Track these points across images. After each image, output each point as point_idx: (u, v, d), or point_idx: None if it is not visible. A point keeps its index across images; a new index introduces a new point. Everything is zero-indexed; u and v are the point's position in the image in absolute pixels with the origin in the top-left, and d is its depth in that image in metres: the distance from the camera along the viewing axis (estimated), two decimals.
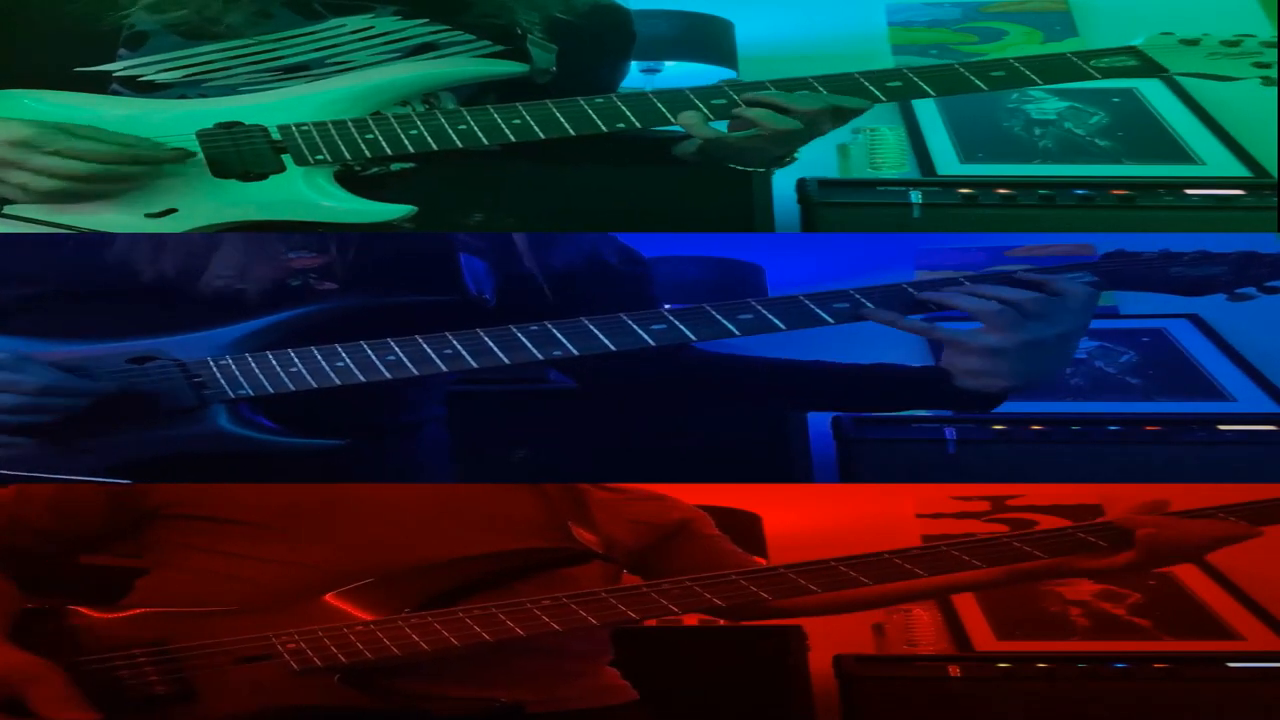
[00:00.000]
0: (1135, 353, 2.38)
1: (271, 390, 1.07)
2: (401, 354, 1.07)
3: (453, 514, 1.19)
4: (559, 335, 1.08)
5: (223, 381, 1.07)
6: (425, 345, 1.08)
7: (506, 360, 1.07)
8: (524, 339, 1.08)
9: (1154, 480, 1.99)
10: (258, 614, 1.08)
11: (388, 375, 1.07)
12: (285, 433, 1.09)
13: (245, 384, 1.07)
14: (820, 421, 2.14)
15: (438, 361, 1.07)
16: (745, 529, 2.22)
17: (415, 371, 1.07)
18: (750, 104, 1.23)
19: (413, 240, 1.22)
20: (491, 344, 1.08)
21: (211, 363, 1.08)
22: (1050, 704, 1.87)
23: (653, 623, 1.18)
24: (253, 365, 1.08)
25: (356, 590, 1.10)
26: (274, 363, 1.08)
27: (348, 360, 1.07)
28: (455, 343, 1.08)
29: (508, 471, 1.99)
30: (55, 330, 1.09)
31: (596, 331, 1.09)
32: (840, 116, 1.25)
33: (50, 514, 1.17)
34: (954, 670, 1.93)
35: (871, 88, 1.25)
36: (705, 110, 1.23)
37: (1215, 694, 1.85)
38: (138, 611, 1.10)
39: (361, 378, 1.07)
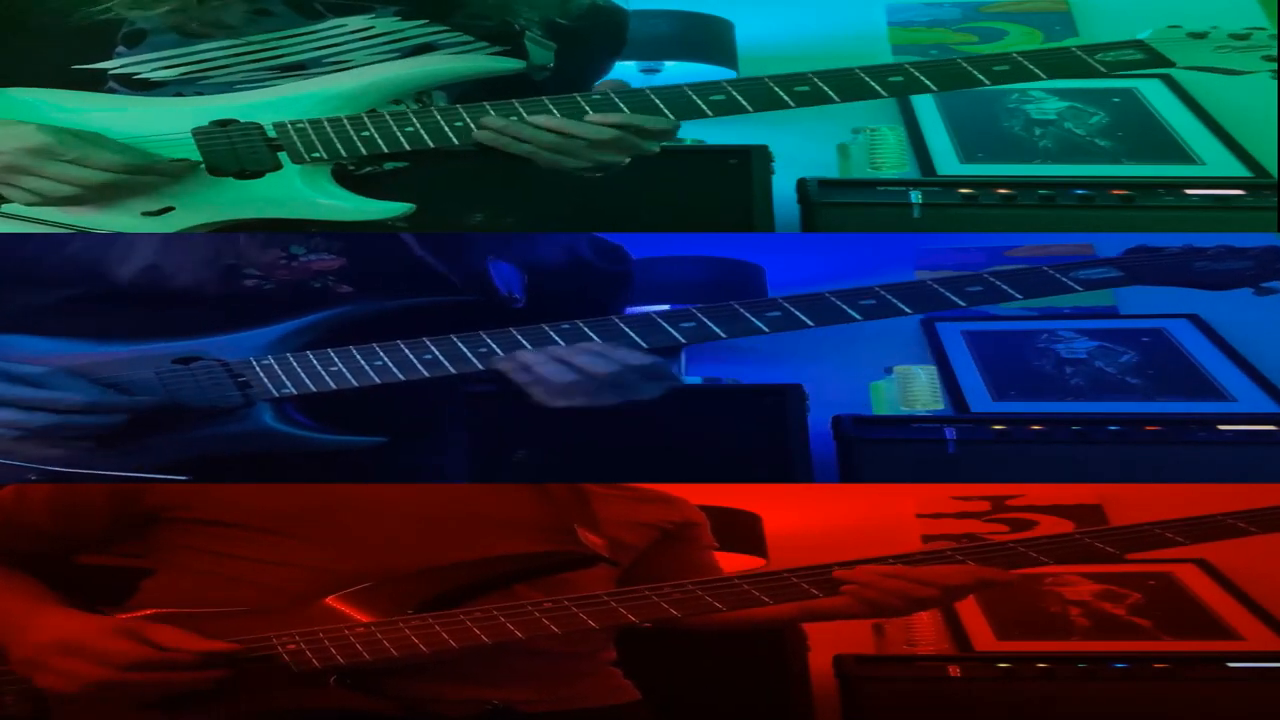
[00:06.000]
0: (1135, 353, 2.38)
1: (314, 389, 1.09)
2: (438, 352, 1.09)
3: (455, 516, 1.19)
4: (590, 333, 1.09)
5: (266, 381, 1.10)
6: (460, 344, 1.10)
7: None
8: (556, 337, 1.09)
9: (1154, 480, 1.99)
10: (261, 615, 1.08)
11: (426, 373, 1.09)
12: (328, 430, 1.11)
13: (288, 383, 1.09)
14: (820, 422, 2.13)
15: (473, 360, 1.09)
16: (745, 529, 2.21)
17: (452, 370, 1.09)
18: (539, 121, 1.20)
19: (441, 241, 1.23)
20: (525, 343, 1.09)
21: (255, 363, 1.10)
22: (1050, 704, 1.87)
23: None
24: (294, 365, 1.10)
25: (358, 593, 1.10)
26: (315, 362, 1.10)
27: (386, 359, 1.09)
28: (490, 341, 1.10)
29: (513, 472, 1.99)
30: (96, 332, 1.11)
31: (628, 330, 1.10)
32: (649, 135, 1.21)
33: (50, 515, 1.16)
34: (954, 670, 1.93)
35: (872, 83, 1.24)
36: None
37: (1215, 694, 1.85)
38: (144, 613, 1.10)
39: (401, 376, 1.09)
